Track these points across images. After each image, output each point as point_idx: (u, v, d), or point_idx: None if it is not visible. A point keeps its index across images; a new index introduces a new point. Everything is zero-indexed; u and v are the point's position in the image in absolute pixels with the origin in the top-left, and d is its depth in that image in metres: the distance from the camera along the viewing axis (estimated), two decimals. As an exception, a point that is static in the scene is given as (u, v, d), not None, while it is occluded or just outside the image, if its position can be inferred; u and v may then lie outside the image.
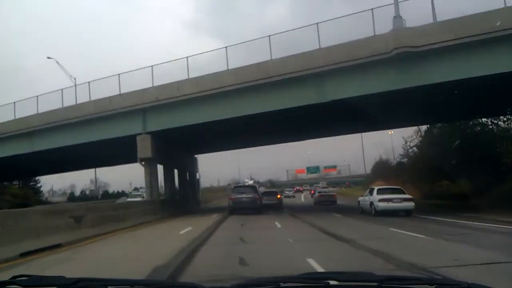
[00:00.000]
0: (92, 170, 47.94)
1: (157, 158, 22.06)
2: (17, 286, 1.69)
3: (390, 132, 66.42)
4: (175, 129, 21.09)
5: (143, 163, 21.56)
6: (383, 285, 1.60)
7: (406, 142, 34.21)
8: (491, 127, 26.14)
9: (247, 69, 18.32)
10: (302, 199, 47.54)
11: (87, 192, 70.94)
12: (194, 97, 19.53)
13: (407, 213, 16.35)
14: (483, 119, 26.49)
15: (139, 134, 21.55)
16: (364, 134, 44.83)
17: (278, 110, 17.97)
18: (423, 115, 22.43)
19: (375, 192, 17.45)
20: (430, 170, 29.44)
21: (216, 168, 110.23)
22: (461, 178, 26.44)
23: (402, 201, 16.43)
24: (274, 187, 69.57)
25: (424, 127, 32.58)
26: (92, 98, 22.79)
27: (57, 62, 25.41)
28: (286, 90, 17.54)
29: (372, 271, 1.81)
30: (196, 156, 35.10)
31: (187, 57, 19.97)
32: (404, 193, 17.27)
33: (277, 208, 23.77)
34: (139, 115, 21.65)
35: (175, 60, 20.86)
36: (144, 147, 21.12)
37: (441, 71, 14.80)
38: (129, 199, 27.86)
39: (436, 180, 29.39)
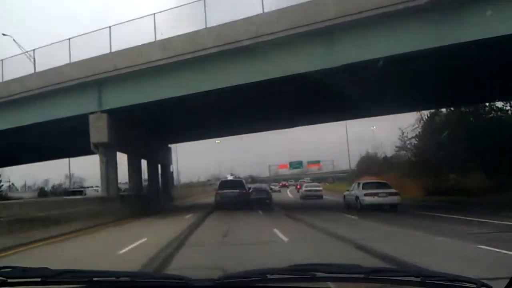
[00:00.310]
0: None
1: (116, 144, 17.60)
2: (1, 278, 1.65)
3: (373, 127, 64.48)
4: (140, 106, 16.71)
5: (98, 149, 17.07)
6: (369, 276, 1.60)
7: (403, 133, 30.85)
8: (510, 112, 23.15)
9: (232, 27, 14.14)
10: (289, 194, 44.61)
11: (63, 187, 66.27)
12: (163, 64, 15.22)
13: (392, 207, 16.08)
14: (499, 103, 23.42)
15: (92, 112, 17.04)
16: (349, 129, 43.63)
17: (275, 78, 13.85)
18: (428, 95, 18.77)
19: (360, 186, 17.30)
20: (434, 164, 26.30)
21: (196, 163, 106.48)
22: (472, 171, 23.37)
23: (387, 195, 16.24)
24: (255, 183, 66.59)
25: (423, 115, 29.31)
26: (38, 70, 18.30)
27: (14, 40, 20.84)
28: (284, 52, 13.47)
29: (358, 264, 1.69)
30: (170, 146, 30.58)
31: (153, 14, 15.63)
32: (389, 187, 17.12)
33: (267, 204, 22.85)
34: (94, 89, 17.15)
35: (140, 18, 16.46)
36: (99, 129, 16.65)
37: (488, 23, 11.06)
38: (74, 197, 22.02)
39: (441, 174, 26.25)
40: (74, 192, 25.44)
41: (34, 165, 40.64)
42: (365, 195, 16.42)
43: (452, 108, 26.05)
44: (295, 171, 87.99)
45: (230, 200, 19.12)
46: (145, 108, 17.02)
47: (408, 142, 31.84)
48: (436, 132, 26.32)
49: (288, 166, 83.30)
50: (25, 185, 66.54)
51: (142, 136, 21.56)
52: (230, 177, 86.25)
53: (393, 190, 16.69)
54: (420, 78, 15.37)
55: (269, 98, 17.91)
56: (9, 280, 1.69)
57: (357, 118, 28.42)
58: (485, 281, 1.54)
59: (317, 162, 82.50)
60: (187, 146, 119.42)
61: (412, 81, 15.87)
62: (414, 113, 27.30)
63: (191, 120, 21.94)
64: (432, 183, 26.39)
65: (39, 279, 1.67)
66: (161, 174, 28.19)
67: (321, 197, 30.12)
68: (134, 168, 21.67)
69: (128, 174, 21.82)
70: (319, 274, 1.65)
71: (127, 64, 15.89)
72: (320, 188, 32.73)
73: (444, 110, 27.44)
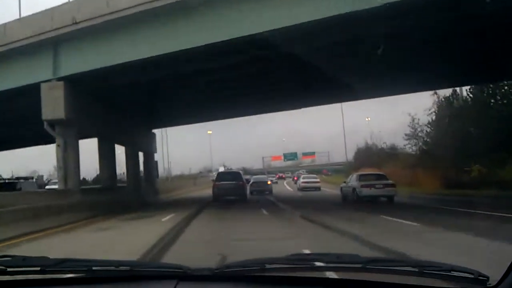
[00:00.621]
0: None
1: (78, 122, 13.77)
2: (1, 267, 1.64)
3: (367, 119, 61.26)
4: (107, 73, 12.94)
5: (54, 130, 13.24)
6: (367, 266, 1.62)
7: (413, 120, 27.57)
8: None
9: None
10: (287, 186, 41.44)
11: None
12: (136, 12, 11.43)
13: (389, 198, 16.34)
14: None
15: (46, 81, 13.20)
16: (345, 121, 41.56)
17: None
18: (445, 69, 15.56)
19: (357, 178, 17.36)
20: (452, 153, 23.11)
21: (187, 155, 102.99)
22: (504, 161, 20.19)
23: (384, 186, 16.38)
24: (248, 174, 64.28)
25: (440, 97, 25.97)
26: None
27: None
28: None
29: (357, 254, 1.72)
30: (154, 131, 26.47)
31: None
32: (386, 179, 17.22)
33: (267, 194, 23.79)
34: (48, 51, 13.28)
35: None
36: (54, 102, 12.81)
37: None
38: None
39: (461, 165, 23.09)
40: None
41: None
42: (362, 186, 16.47)
43: (478, 86, 22.67)
44: (289, 163, 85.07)
45: (228, 192, 19.28)
46: (114, 76, 13.25)
47: (419, 129, 28.53)
48: (457, 116, 23.10)
49: (282, 157, 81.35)
50: (12, 175, 61.82)
51: (116, 116, 17.67)
52: (222, 169, 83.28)
53: (389, 182, 16.75)
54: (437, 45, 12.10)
55: (262, 75, 14.62)
56: (8, 269, 1.68)
57: (354, 100, 24.60)
58: (482, 272, 1.53)
59: (312, 153, 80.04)
60: (178, 137, 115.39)
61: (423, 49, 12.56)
62: (418, 98, 24.19)
63: (178, 99, 18.15)
64: (450, 175, 23.22)
65: (38, 268, 1.68)
66: (144, 163, 24.29)
67: (318, 188, 29.95)
68: (105, 155, 17.82)
69: (99, 163, 18.01)
70: (317, 264, 1.68)
71: (90, 16, 12.05)
72: (318, 180, 32.54)
73: (466, 88, 24.12)
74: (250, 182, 25.83)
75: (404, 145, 29.73)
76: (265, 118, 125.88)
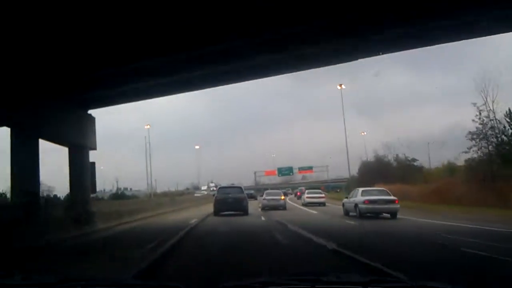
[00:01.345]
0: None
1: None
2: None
3: (362, 133, 55.85)
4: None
5: None
6: (368, 286, 1.60)
7: (480, 113, 21.78)
8: None
9: None
10: (290, 202, 37.92)
11: None
12: None
13: (392, 215, 16.47)
14: None
15: None
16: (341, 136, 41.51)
17: None
18: None
19: (359, 193, 17.57)
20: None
21: (174, 171, 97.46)
22: None
23: (386, 203, 16.60)
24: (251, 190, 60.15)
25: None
26: None
27: None
28: None
29: (356, 274, 1.76)
30: (91, 112, 17.28)
31: None
32: (389, 194, 17.38)
33: (281, 210, 23.77)
34: None
35: None
36: None
37: None
38: None
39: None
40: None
41: None
42: (364, 202, 16.60)
43: None
44: (283, 178, 79.62)
45: (229, 207, 19.69)
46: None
47: (489, 127, 21.55)
48: None
49: (277, 172, 74.50)
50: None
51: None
52: (212, 185, 77.51)
53: (392, 198, 16.98)
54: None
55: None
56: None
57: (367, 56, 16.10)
58: None
59: (310, 168, 72.68)
60: (164, 152, 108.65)
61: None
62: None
63: (124, 57, 11.37)
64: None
65: (37, 287, 1.65)
66: (70, 165, 16.02)
67: (323, 204, 30.22)
68: (18, 155, 11.09)
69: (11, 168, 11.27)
70: (318, 285, 1.65)
71: None
72: (323, 195, 33.09)
73: None
74: (263, 197, 26.17)
75: (468, 148, 23.10)
76: (258, 131, 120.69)
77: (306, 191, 36.96)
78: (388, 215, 16.66)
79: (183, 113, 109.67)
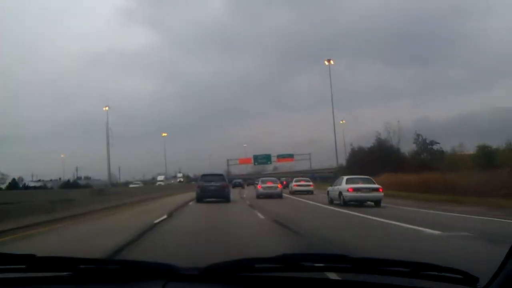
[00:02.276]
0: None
1: None
2: None
3: (342, 121, 53.27)
4: None
5: None
6: (356, 267, 1.64)
7: None
8: None
9: None
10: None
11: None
12: None
13: (376, 203, 16.68)
14: None
15: None
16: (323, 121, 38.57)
17: None
18: None
19: (344, 181, 17.72)
20: None
21: (142, 161, 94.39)
22: None
23: (371, 191, 16.82)
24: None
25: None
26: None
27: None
28: None
29: (346, 254, 1.74)
30: None
31: None
32: (373, 183, 17.56)
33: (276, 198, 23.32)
34: None
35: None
36: None
37: None
38: None
39: None
40: None
41: None
42: (348, 190, 16.80)
43: None
44: (258, 168, 75.06)
45: (211, 194, 20.27)
46: None
47: None
48: None
49: (252, 160, 67.82)
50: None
51: None
52: (179, 175, 74.44)
53: (376, 186, 17.18)
54: None
55: None
56: None
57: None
58: (472, 273, 1.51)
59: (290, 156, 66.43)
60: (132, 141, 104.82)
61: None
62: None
63: None
64: None
65: (24, 266, 1.64)
66: None
67: (311, 192, 30.67)
68: None
69: None
70: (306, 264, 1.66)
71: None
72: (311, 183, 32.72)
73: None
74: (259, 185, 25.67)
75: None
76: (231, 119, 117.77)
77: (294, 179, 36.23)
78: (372, 203, 16.84)
79: (153, 102, 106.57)
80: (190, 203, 19.73)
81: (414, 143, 32.74)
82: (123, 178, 73.68)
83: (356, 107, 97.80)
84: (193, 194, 22.26)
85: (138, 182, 61.58)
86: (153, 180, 69.99)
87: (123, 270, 1.67)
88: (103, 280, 1.66)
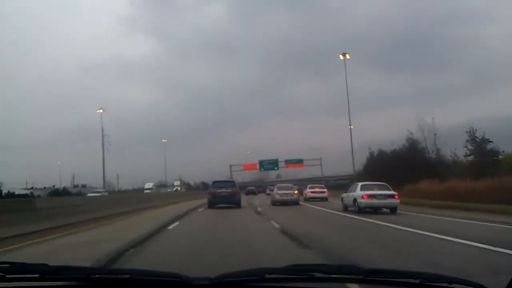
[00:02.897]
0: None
1: None
2: (0, 273, 1.62)
3: (350, 126, 51.36)
4: None
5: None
6: (367, 278, 1.62)
7: None
8: None
9: None
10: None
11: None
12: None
13: (391, 210, 16.29)
14: None
15: None
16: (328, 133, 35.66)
17: None
18: None
19: (358, 188, 17.43)
20: None
21: (142, 168, 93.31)
22: None
23: (386, 197, 16.44)
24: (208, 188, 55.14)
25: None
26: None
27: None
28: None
29: (356, 265, 1.77)
30: None
31: None
32: (389, 189, 17.20)
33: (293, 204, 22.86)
34: None
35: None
36: None
37: None
38: None
39: None
40: None
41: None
42: (363, 197, 16.48)
43: None
44: (261, 175, 70.91)
45: (222, 200, 20.79)
46: None
47: None
48: None
49: (258, 166, 62.12)
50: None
51: None
52: (177, 183, 72.06)
53: (392, 192, 16.77)
54: None
55: None
56: (7, 276, 1.64)
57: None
58: (483, 284, 1.48)
59: (299, 161, 61.46)
60: (133, 149, 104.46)
61: None
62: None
63: None
64: None
65: (37, 275, 1.64)
66: None
67: (326, 199, 30.09)
68: None
69: None
70: (317, 275, 1.64)
71: None
72: (325, 190, 31.96)
73: None
74: (274, 191, 24.60)
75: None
76: (232, 126, 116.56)
77: (308, 186, 35.02)
78: (388, 210, 16.51)
79: (154, 110, 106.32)
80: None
81: (467, 141, 27.26)
82: (124, 186, 70.35)
83: (358, 113, 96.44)
84: (181, 208, 21.30)
85: (101, 191, 51.85)
86: (147, 188, 64.30)
87: (134, 279, 1.66)
88: None
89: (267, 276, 1.62)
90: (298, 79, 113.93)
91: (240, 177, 67.36)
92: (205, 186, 61.11)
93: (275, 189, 25.21)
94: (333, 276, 1.67)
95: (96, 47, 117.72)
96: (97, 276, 1.69)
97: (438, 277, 1.60)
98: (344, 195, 19.66)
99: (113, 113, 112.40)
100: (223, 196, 20.69)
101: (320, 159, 61.81)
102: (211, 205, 20.70)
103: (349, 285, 1.90)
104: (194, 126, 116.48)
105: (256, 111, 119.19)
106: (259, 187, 56.77)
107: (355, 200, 17.03)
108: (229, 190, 21.00)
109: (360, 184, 18.08)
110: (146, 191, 57.17)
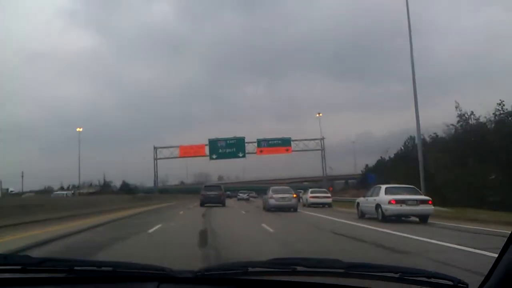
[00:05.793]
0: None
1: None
2: None
3: (318, 115, 47.40)
4: None
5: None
6: (349, 271, 1.65)
7: None
8: None
9: None
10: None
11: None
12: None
13: (422, 219, 13.87)
14: None
15: None
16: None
17: None
18: None
19: (382, 191, 14.75)
20: None
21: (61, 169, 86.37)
22: None
23: (418, 203, 13.93)
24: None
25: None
26: None
27: None
28: None
29: (339, 258, 1.76)
30: None
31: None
32: (420, 193, 15.08)
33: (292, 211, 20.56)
34: None
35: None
36: None
37: None
38: None
39: None
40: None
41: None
42: (391, 202, 13.92)
43: None
44: (203, 177, 53.80)
45: (211, 200, 25.75)
46: None
47: None
48: None
49: (207, 150, 39.27)
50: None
51: None
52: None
53: (426, 198, 14.54)
54: None
55: None
56: None
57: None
58: (462, 279, 1.50)
59: (284, 142, 40.87)
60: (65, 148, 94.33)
61: None
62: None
63: None
64: None
65: (19, 267, 1.64)
66: None
67: (329, 205, 27.60)
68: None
69: None
70: (299, 268, 1.68)
71: None
72: (329, 195, 29.89)
73: None
74: (268, 196, 21.54)
75: None
76: (175, 127, 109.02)
77: (310, 190, 31.58)
78: (417, 219, 14.12)
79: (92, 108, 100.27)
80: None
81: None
82: (34, 187, 62.17)
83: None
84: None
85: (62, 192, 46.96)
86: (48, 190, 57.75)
87: (117, 271, 1.67)
88: (97, 281, 1.68)
89: (250, 269, 1.65)
90: (246, 81, 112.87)
91: (183, 173, 56.12)
92: (125, 186, 55.94)
93: (270, 192, 21.79)
94: (315, 269, 1.70)
95: (34, 38, 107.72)
96: (80, 268, 1.70)
97: (417, 271, 1.64)
98: (360, 199, 17.11)
99: (49, 109, 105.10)
100: (211, 197, 25.94)
101: (322, 139, 43.57)
102: (202, 204, 25.59)
103: (321, 278, 1.84)
104: (133, 126, 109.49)
105: (200, 112, 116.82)
106: (227, 191, 38.16)
107: (378, 206, 14.47)
108: (217, 193, 26.40)
109: (384, 186, 15.41)
110: (57, 193, 47.23)
